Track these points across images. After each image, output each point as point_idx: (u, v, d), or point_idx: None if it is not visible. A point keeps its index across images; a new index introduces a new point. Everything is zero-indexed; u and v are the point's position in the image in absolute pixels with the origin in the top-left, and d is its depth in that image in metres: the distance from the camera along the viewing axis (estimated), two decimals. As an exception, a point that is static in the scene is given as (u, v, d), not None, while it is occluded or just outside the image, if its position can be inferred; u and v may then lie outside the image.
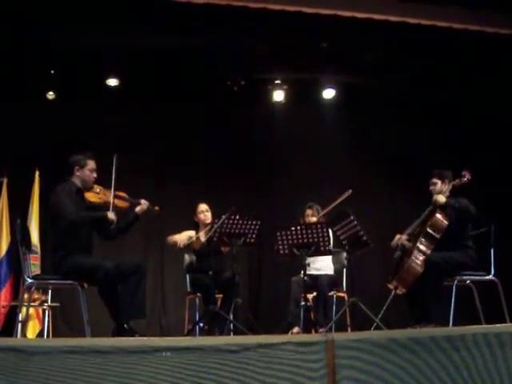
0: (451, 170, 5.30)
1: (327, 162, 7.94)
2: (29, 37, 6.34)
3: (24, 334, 5.76)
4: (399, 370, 2.94)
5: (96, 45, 6.57)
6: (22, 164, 6.77)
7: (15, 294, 6.56)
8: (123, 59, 6.97)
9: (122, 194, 4.93)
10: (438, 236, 5.03)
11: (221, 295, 5.63)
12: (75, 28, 6.23)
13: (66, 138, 6.94)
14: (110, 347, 2.73)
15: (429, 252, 5.01)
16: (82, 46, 6.59)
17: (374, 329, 5.05)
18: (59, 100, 7.39)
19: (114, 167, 4.81)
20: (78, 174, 4.80)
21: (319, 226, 5.18)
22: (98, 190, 4.86)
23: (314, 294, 5.90)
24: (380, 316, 5.23)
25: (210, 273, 5.16)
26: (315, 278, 5.83)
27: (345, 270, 6.11)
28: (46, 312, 6.54)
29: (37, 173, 6.82)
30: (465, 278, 5.11)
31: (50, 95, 7.37)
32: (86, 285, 4.70)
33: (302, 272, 5.22)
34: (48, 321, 6.54)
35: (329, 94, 7.85)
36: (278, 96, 7.87)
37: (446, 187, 5.18)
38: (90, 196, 4.83)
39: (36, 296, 6.19)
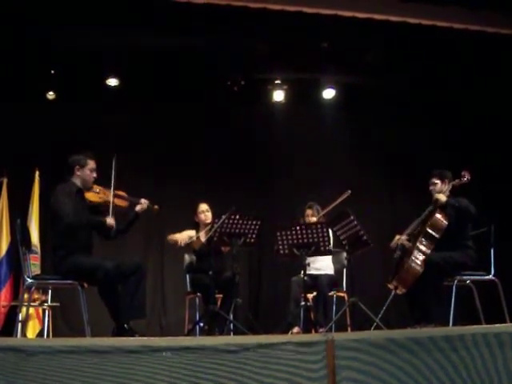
0: (451, 170, 5.30)
1: (327, 162, 7.94)
2: (29, 37, 6.34)
3: (24, 334, 5.76)
4: (399, 369, 2.94)
5: (96, 45, 6.57)
6: (21, 164, 6.77)
7: (15, 294, 6.56)
8: (123, 59, 6.97)
9: (121, 193, 4.94)
10: (437, 236, 5.03)
11: (221, 295, 5.63)
12: (75, 28, 6.23)
13: (65, 138, 6.94)
14: (110, 347, 2.73)
15: (429, 252, 5.01)
16: (82, 45, 6.59)
17: (374, 329, 5.05)
18: (59, 100, 7.39)
19: (113, 168, 4.82)
20: (78, 173, 4.80)
21: (319, 225, 5.18)
22: (97, 190, 4.87)
23: (314, 293, 5.90)
24: (380, 316, 5.23)
25: (210, 273, 5.16)
26: (315, 278, 5.83)
27: (345, 269, 6.11)
28: (46, 312, 6.54)
29: (37, 173, 6.82)
30: (465, 277, 5.11)
31: (50, 95, 7.37)
32: (85, 285, 4.70)
33: (302, 272, 5.22)
34: (48, 321, 6.54)
35: (329, 94, 7.85)
36: (278, 96, 7.87)
37: (446, 187, 5.18)
38: (90, 196, 4.83)
39: (36, 296, 6.19)
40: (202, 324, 5.51)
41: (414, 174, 7.20)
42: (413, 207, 5.93)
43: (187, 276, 6.02)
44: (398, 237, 5.32)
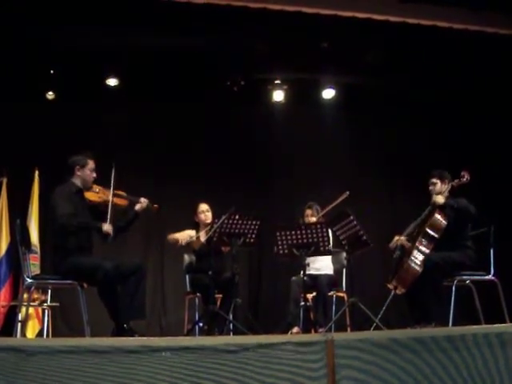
0: (451, 170, 5.30)
1: (327, 162, 7.94)
2: (29, 37, 6.34)
3: (23, 334, 5.76)
4: (399, 369, 2.94)
5: (96, 45, 6.57)
6: (21, 164, 6.77)
7: (15, 294, 6.55)
8: (123, 59, 6.97)
9: (121, 192, 4.94)
10: (437, 236, 5.03)
11: (220, 295, 5.63)
12: (75, 28, 6.23)
13: (65, 138, 6.94)
14: (109, 347, 2.72)
15: (428, 252, 5.01)
16: (82, 45, 6.59)
17: (374, 329, 5.05)
18: (59, 100, 7.39)
19: (112, 174, 4.82)
20: (78, 173, 4.80)
21: (319, 226, 5.18)
22: (97, 189, 4.88)
23: (314, 294, 5.90)
24: (380, 316, 5.23)
25: (210, 273, 5.16)
26: (315, 278, 5.82)
27: (344, 269, 6.11)
28: (46, 312, 6.54)
29: (36, 173, 6.82)
30: (464, 277, 5.11)
31: (50, 95, 7.37)
32: (85, 285, 4.70)
33: (302, 272, 5.22)
34: (47, 321, 6.54)
35: (329, 94, 7.85)
36: (278, 96, 7.87)
37: (446, 187, 5.18)
38: (90, 195, 4.84)
39: (35, 296, 6.19)
40: (201, 324, 5.51)
41: (414, 174, 7.19)
42: (413, 207, 5.93)
43: (187, 276, 6.01)
44: (396, 238, 5.32)
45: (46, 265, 6.28)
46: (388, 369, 2.93)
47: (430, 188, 5.26)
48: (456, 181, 5.15)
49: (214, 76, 7.40)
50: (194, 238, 5.72)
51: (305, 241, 5.11)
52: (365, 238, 5.15)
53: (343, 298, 5.93)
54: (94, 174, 4.84)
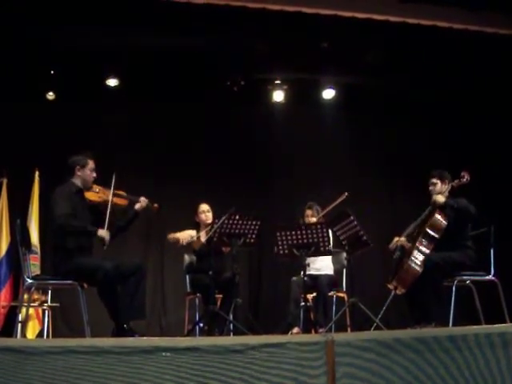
0: (451, 170, 5.30)
1: (327, 161, 7.94)
2: (29, 37, 6.34)
3: (24, 335, 5.76)
4: (400, 370, 2.93)
5: (96, 45, 6.57)
6: (21, 164, 6.77)
7: (15, 295, 6.55)
8: (123, 59, 6.97)
9: (121, 192, 4.94)
10: (437, 236, 5.03)
11: (221, 295, 5.62)
12: (75, 28, 6.23)
13: (65, 138, 6.94)
14: (110, 347, 2.72)
15: (428, 252, 5.01)
16: (82, 45, 6.59)
17: (374, 329, 5.05)
18: (59, 100, 7.39)
19: (112, 183, 4.82)
20: (79, 173, 4.81)
21: (319, 226, 5.18)
22: (97, 189, 4.88)
23: (314, 294, 5.90)
24: (380, 316, 5.23)
25: (210, 273, 5.15)
26: (315, 278, 5.82)
27: (345, 270, 6.11)
28: (46, 312, 6.54)
29: (36, 173, 6.82)
30: (465, 278, 5.11)
31: (50, 95, 7.36)
32: (85, 285, 4.70)
33: (302, 272, 5.22)
34: (48, 321, 6.54)
35: (329, 94, 7.85)
36: (278, 96, 7.87)
37: (446, 187, 5.18)
38: (90, 195, 4.84)
39: (36, 296, 6.18)
40: (201, 324, 5.51)
41: (414, 174, 7.20)
42: (413, 207, 5.93)
43: (187, 276, 6.01)
44: (396, 239, 5.32)
45: (46, 265, 6.27)
46: (388, 369, 2.92)
47: (430, 188, 5.25)
48: (456, 181, 5.15)
49: (214, 76, 7.40)
50: (195, 238, 5.72)
51: (305, 241, 5.11)
52: (365, 238, 5.15)
53: (343, 298, 5.93)
54: (94, 174, 4.84)
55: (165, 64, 7.06)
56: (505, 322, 4.92)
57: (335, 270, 6.09)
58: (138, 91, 7.39)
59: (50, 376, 2.66)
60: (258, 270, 7.84)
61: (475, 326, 3.42)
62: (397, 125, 8.07)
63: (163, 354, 2.73)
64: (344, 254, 5.91)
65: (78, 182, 4.81)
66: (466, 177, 5.10)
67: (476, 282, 5.20)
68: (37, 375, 2.65)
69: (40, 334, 6.51)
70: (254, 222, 5.16)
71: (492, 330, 3.07)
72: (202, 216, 5.89)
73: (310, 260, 5.43)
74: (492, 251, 5.29)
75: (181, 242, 5.62)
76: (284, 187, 7.89)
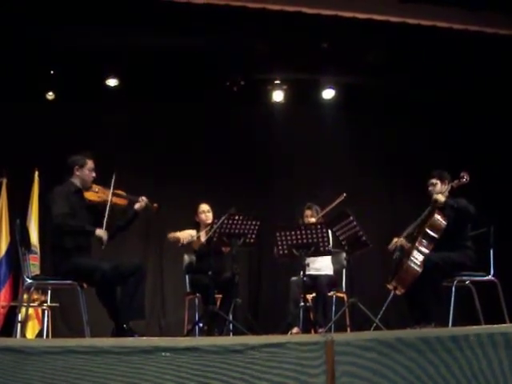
0: (451, 170, 5.30)
1: (327, 162, 7.94)
2: (29, 37, 6.34)
3: (23, 335, 5.76)
4: (400, 370, 2.93)
5: (96, 45, 6.57)
6: (21, 164, 6.77)
7: (15, 295, 6.55)
8: (123, 59, 6.97)
9: (120, 192, 4.94)
10: (437, 236, 5.03)
11: (220, 295, 5.62)
12: (75, 28, 6.23)
13: (65, 138, 6.94)
14: (111, 347, 2.72)
15: (428, 252, 5.01)
16: (82, 45, 6.59)
17: (374, 329, 5.05)
18: (59, 100, 7.38)
19: (112, 182, 4.82)
20: (77, 173, 4.80)
21: (319, 226, 5.18)
22: (96, 189, 4.87)
23: (314, 294, 5.89)
24: (379, 316, 5.23)
25: (210, 273, 5.15)
26: (314, 279, 5.82)
27: (344, 270, 6.10)
28: (46, 312, 6.54)
29: (36, 173, 6.82)
30: (464, 278, 5.11)
31: (50, 95, 7.36)
32: (85, 285, 4.70)
33: (302, 272, 5.22)
34: (47, 321, 6.54)
35: (328, 94, 7.85)
36: (278, 96, 7.87)
37: (446, 188, 5.18)
38: (90, 195, 4.84)
39: (35, 296, 6.18)
40: (201, 324, 5.51)
41: (413, 174, 7.19)
42: (413, 207, 5.93)
43: (186, 276, 6.01)
44: (395, 240, 5.32)
45: (46, 265, 6.27)
46: (388, 369, 2.92)
47: (430, 189, 5.25)
48: (456, 181, 5.15)
49: (214, 76, 7.40)
50: (195, 238, 5.72)
51: (305, 241, 5.11)
52: (364, 238, 5.15)
53: (343, 298, 5.93)
54: (94, 174, 4.83)
55: (165, 64, 7.06)
56: (504, 322, 4.92)
57: (335, 270, 6.09)
58: (138, 91, 7.39)
59: (50, 376, 2.66)
60: (258, 270, 7.84)
61: (477, 326, 3.42)
62: (397, 125, 8.07)
63: (163, 354, 2.73)
64: (343, 254, 5.91)
65: (76, 181, 4.81)
66: (465, 177, 5.09)
67: (475, 282, 5.20)
68: (36, 375, 2.65)
69: (39, 334, 6.51)
70: (253, 222, 5.16)
71: (494, 330, 3.07)
72: (202, 216, 5.89)
73: (309, 260, 5.43)
74: (491, 251, 5.29)
75: (181, 242, 5.62)
76: (284, 187, 7.89)
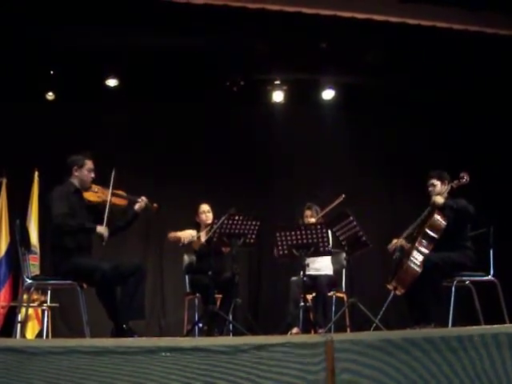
0: (451, 171, 5.30)
1: (327, 162, 7.94)
2: (29, 37, 6.34)
3: (23, 335, 5.76)
4: (399, 370, 2.93)
5: (96, 45, 6.57)
6: (21, 164, 6.77)
7: (14, 295, 6.55)
8: (123, 59, 6.97)
9: (120, 192, 4.93)
10: (436, 236, 5.03)
11: (220, 295, 5.62)
12: (75, 28, 6.23)
13: (65, 138, 6.93)
14: (110, 347, 2.72)
15: (428, 252, 5.01)
16: (82, 45, 6.58)
17: (374, 329, 5.05)
18: (59, 100, 7.38)
19: (112, 178, 4.82)
20: (76, 174, 4.80)
21: (319, 226, 5.18)
22: (96, 189, 4.87)
23: (314, 294, 5.89)
24: (379, 316, 5.23)
25: (210, 273, 5.15)
26: (314, 279, 5.82)
27: (344, 270, 6.11)
28: (46, 312, 6.54)
29: (36, 173, 6.82)
30: (464, 278, 5.11)
31: (50, 95, 7.36)
32: (85, 285, 4.70)
33: (302, 272, 5.21)
34: (47, 321, 6.54)
35: (328, 94, 7.85)
36: (278, 96, 7.87)
37: (446, 188, 5.18)
38: (89, 195, 4.83)
39: (35, 296, 6.18)
40: (201, 324, 5.51)
41: (413, 174, 7.17)
42: (413, 207, 5.93)
43: (186, 276, 6.01)
44: (395, 240, 5.32)
45: (46, 265, 6.27)
46: (388, 369, 2.92)
47: (430, 189, 5.25)
48: (456, 182, 5.15)
49: (214, 76, 7.40)
50: (195, 238, 5.72)
51: (304, 241, 5.10)
52: (364, 238, 5.15)
53: (343, 298, 5.93)
54: (93, 175, 4.82)
55: (165, 64, 7.06)
56: (504, 322, 4.92)
57: (335, 271, 6.09)
58: (138, 91, 7.39)
59: (55, 376, 2.66)
60: (258, 270, 7.84)
61: (481, 326, 3.41)
62: (397, 125, 8.07)
63: (163, 354, 2.73)
64: (343, 255, 5.91)
65: (75, 181, 4.81)
66: (465, 177, 5.10)
67: (475, 282, 5.20)
68: (40, 375, 2.66)
69: (39, 335, 6.51)
70: (253, 222, 5.16)
71: (499, 331, 3.07)
72: (203, 216, 5.89)
73: (309, 260, 5.42)
74: (491, 252, 5.29)
75: (182, 241, 5.63)
76: (284, 187, 7.89)
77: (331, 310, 5.95)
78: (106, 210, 4.73)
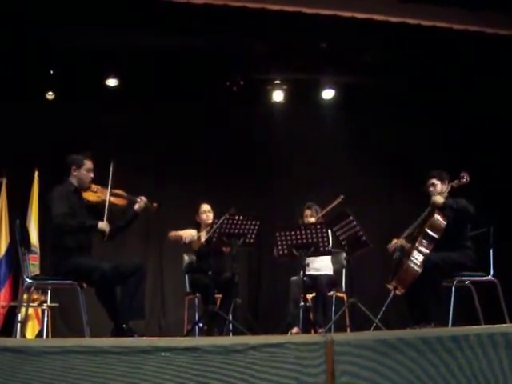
0: (451, 171, 5.30)
1: (327, 162, 7.94)
2: (29, 37, 6.34)
3: (23, 335, 5.76)
4: (398, 370, 2.93)
5: (96, 45, 6.57)
6: (21, 164, 6.77)
7: (14, 295, 6.55)
8: (123, 59, 6.97)
9: (119, 191, 4.93)
10: (436, 236, 5.03)
11: (220, 295, 5.62)
12: (75, 28, 6.23)
13: (65, 138, 6.93)
14: (111, 347, 2.72)
15: (428, 252, 5.01)
16: (82, 46, 6.58)
17: (374, 329, 5.05)
18: (59, 100, 7.38)
19: (110, 172, 4.82)
20: (75, 173, 4.79)
21: (318, 226, 5.18)
22: (95, 189, 4.86)
23: (313, 294, 5.89)
24: (379, 316, 5.23)
25: (210, 273, 5.15)
26: (314, 279, 5.82)
27: (344, 270, 6.11)
28: (45, 312, 6.54)
29: (36, 173, 6.82)
30: (464, 278, 5.11)
31: (50, 95, 7.36)
32: (85, 285, 4.70)
33: (302, 272, 5.22)
34: (47, 321, 6.54)
35: (328, 94, 7.85)
36: (278, 96, 7.87)
37: (446, 188, 5.18)
38: (89, 195, 4.83)
39: (35, 296, 6.18)
40: (201, 324, 5.51)
41: (413, 174, 7.15)
42: (412, 207, 5.94)
43: (186, 276, 6.01)
44: (395, 240, 5.32)
45: (46, 265, 6.27)
46: (388, 369, 2.92)
47: (430, 189, 5.25)
48: (456, 181, 5.15)
49: (214, 76, 7.40)
50: (195, 238, 5.72)
51: (304, 241, 5.11)
52: (364, 238, 5.15)
53: (343, 298, 5.93)
54: (92, 175, 4.81)
55: (165, 64, 7.06)
56: (504, 322, 4.92)
57: (335, 270, 6.09)
58: (138, 91, 7.39)
59: (49, 376, 2.65)
60: (258, 270, 7.84)
61: (477, 326, 3.41)
62: (396, 125, 8.07)
63: (162, 353, 2.73)
64: (343, 254, 5.91)
65: (74, 181, 4.80)
66: (465, 177, 5.10)
67: (475, 282, 5.21)
68: (36, 375, 2.65)
69: (39, 334, 6.51)
70: (253, 222, 5.16)
71: (495, 330, 3.07)
72: (203, 216, 5.89)
73: (309, 260, 5.43)
74: (491, 251, 5.29)
75: (183, 240, 5.63)
76: (284, 187, 7.89)
77: (331, 309, 5.95)
78: (106, 208, 4.72)
